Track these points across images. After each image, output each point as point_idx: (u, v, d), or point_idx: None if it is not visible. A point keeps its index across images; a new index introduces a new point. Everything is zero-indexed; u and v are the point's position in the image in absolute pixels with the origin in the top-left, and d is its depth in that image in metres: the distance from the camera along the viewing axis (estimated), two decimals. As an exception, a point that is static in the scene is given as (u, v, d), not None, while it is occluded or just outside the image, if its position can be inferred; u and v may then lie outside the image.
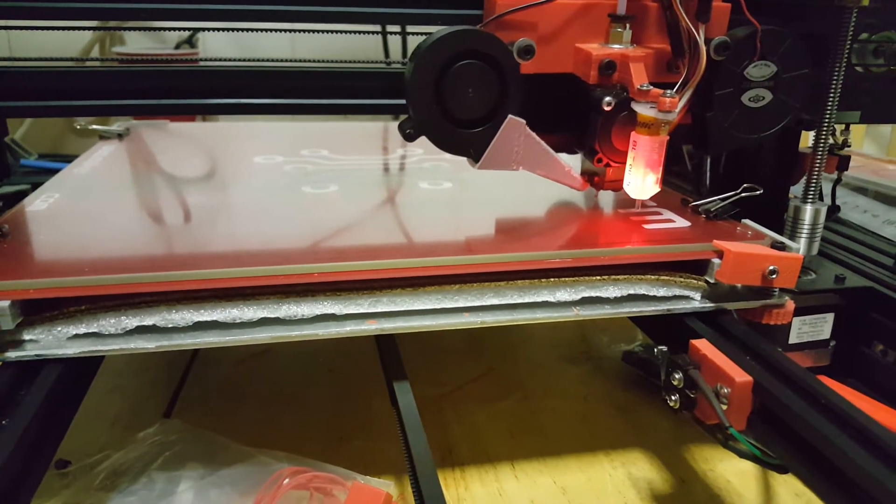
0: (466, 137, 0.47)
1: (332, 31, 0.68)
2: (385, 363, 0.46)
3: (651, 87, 0.45)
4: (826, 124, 0.52)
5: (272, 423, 0.55)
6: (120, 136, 0.72)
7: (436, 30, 0.45)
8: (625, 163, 0.49)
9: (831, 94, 0.51)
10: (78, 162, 0.63)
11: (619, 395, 0.61)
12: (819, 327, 0.58)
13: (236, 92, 0.67)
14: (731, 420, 0.38)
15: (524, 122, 0.47)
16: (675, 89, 0.44)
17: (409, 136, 0.46)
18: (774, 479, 0.50)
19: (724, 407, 0.38)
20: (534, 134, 0.48)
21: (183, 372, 0.62)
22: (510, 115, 0.47)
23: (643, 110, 0.45)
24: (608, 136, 0.48)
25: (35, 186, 0.76)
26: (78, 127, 0.88)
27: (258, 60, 0.69)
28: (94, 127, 0.71)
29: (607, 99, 0.46)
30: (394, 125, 0.88)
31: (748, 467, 0.51)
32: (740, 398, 0.38)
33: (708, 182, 0.68)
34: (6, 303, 0.37)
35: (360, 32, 0.74)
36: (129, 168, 0.63)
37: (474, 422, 0.57)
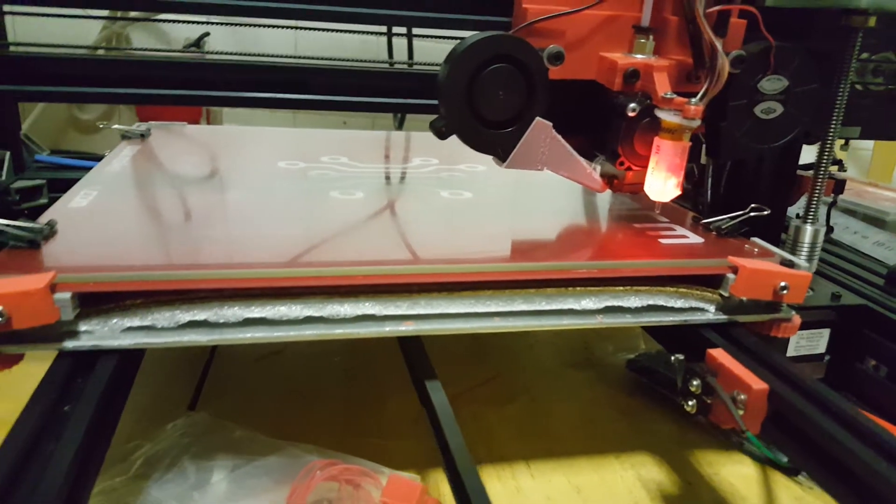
0: (495, 137, 0.49)
1: (338, 31, 0.71)
2: (413, 364, 0.49)
3: (675, 96, 0.48)
4: (830, 137, 0.55)
5: (290, 419, 0.57)
6: (142, 136, 0.73)
7: (468, 34, 0.48)
8: (645, 167, 0.51)
9: (836, 109, 0.55)
10: (107, 160, 0.64)
11: (623, 400, 0.64)
12: (815, 342, 0.61)
13: (242, 85, 0.69)
14: (747, 425, 0.41)
15: (551, 124, 0.50)
16: (698, 98, 0.47)
17: (440, 134, 0.49)
18: (776, 483, 0.53)
19: (741, 412, 0.41)
20: (559, 136, 0.50)
21: (203, 368, 0.63)
22: (538, 118, 0.49)
23: (668, 117, 0.48)
24: (631, 141, 0.51)
25: (50, 182, 0.77)
26: (101, 126, 0.89)
27: (264, 55, 0.71)
28: (117, 127, 0.73)
29: (632, 105, 0.49)
30: (397, 135, 0.91)
31: (751, 472, 0.54)
32: (756, 404, 0.41)
33: (709, 200, 0.71)
34: (67, 294, 0.38)
35: (364, 33, 0.77)
36: (160, 168, 0.65)
37: (486, 423, 0.59)
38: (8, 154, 0.78)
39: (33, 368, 0.61)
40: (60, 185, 0.76)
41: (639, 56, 0.51)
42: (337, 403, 0.60)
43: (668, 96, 0.48)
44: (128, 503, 0.46)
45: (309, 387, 0.63)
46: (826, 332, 0.61)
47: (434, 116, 0.52)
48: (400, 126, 1.04)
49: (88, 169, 0.63)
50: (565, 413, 0.61)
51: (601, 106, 0.53)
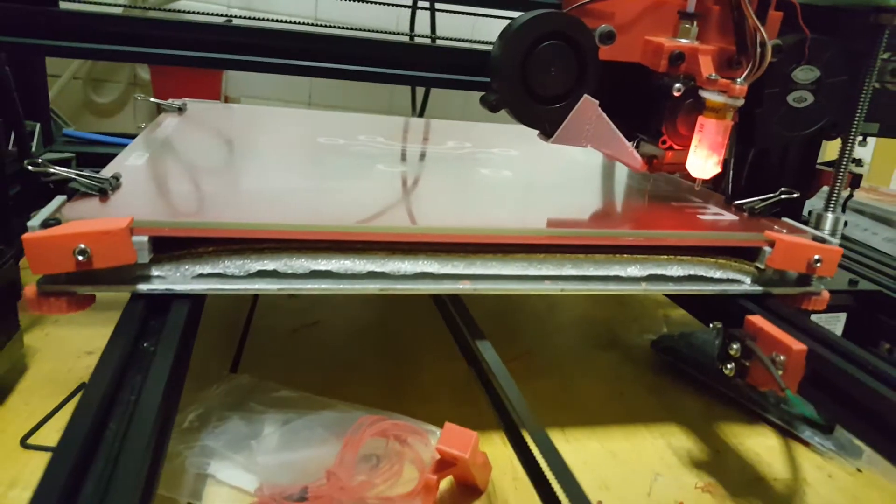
0: (544, 112, 0.51)
1: (360, 1, 0.71)
2: (459, 327, 0.50)
3: (719, 77, 0.50)
4: (854, 129, 0.58)
5: (326, 387, 0.58)
6: (179, 109, 0.75)
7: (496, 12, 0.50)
8: (686, 146, 0.54)
9: (860, 103, 0.57)
10: (150, 130, 0.65)
11: (650, 378, 0.66)
12: (832, 325, 0.64)
13: (262, 50, 0.69)
14: (786, 384, 0.43)
15: (598, 102, 0.52)
16: (742, 78, 0.50)
17: (492, 107, 0.50)
18: (799, 454, 0.55)
19: (780, 373, 0.43)
20: (605, 114, 0.52)
21: (241, 335, 0.65)
22: (586, 95, 0.51)
23: (713, 96, 0.50)
24: (674, 121, 0.53)
25: (79, 155, 0.78)
26: (138, 98, 0.90)
27: (285, 21, 0.72)
28: (154, 100, 0.74)
29: (677, 85, 0.51)
30: (425, 121, 0.92)
31: (775, 443, 0.56)
32: (795, 364, 0.43)
33: (730, 189, 0.74)
34: (144, 238, 0.40)
35: (387, 4, 0.79)
36: (206, 136, 0.66)
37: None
38: (38, 126, 0.79)
39: (69, 334, 0.62)
40: (88, 160, 0.77)
41: (683, 40, 0.53)
42: (370, 373, 0.61)
43: (713, 78, 0.50)
44: (179, 451, 0.47)
45: (342, 357, 0.64)
46: (843, 316, 0.64)
47: (452, 91, 0.53)
48: (421, 114, 1.06)
49: (117, 145, 0.64)
50: (594, 388, 0.63)
51: (643, 88, 0.55)
